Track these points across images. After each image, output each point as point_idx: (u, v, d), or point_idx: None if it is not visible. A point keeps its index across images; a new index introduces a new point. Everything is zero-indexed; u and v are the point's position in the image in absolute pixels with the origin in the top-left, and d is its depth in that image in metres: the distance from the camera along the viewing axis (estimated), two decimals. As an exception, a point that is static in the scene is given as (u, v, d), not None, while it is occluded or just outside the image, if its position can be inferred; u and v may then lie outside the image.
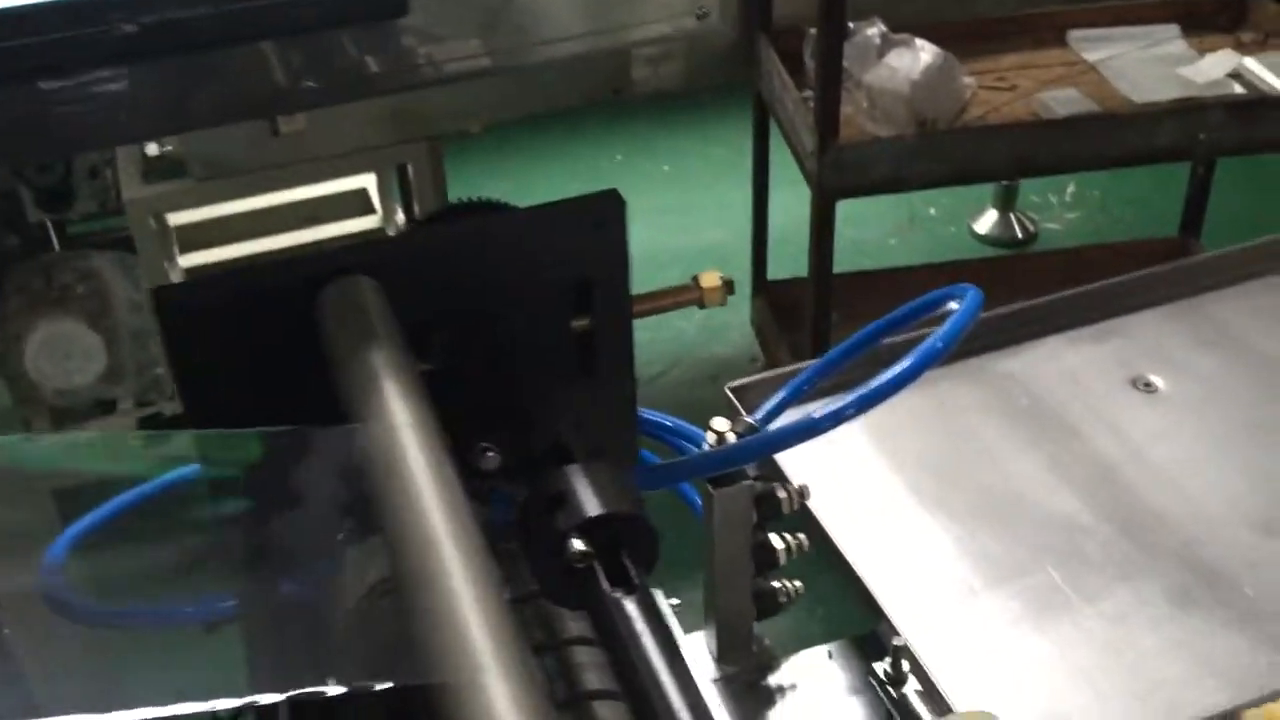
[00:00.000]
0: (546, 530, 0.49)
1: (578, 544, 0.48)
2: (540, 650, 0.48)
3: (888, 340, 0.85)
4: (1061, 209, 3.14)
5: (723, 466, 0.71)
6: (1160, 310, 1.13)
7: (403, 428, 0.46)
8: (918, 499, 0.95)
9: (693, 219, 3.14)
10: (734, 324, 2.72)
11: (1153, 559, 0.89)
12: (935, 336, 0.70)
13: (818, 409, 0.73)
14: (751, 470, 0.83)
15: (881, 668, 0.77)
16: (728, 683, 0.86)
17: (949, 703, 0.78)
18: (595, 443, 0.66)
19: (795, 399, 0.85)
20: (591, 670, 0.52)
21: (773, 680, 0.87)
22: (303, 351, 0.54)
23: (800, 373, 0.86)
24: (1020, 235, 3.00)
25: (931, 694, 0.78)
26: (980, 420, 1.02)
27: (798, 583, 0.87)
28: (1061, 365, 1.07)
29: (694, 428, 0.81)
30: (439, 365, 0.62)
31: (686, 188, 3.27)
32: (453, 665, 0.38)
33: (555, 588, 0.50)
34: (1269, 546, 0.89)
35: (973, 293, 0.72)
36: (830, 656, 0.88)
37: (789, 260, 2.43)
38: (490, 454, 0.62)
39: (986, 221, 3.04)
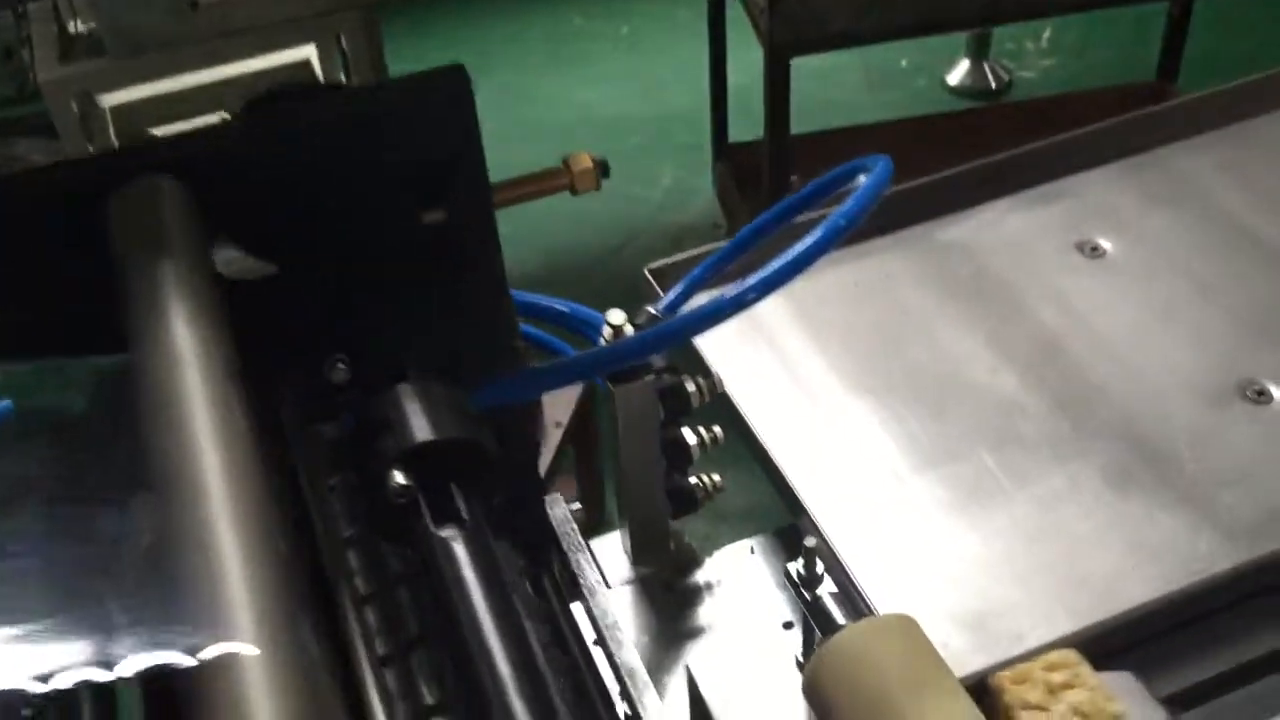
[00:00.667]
0: (369, 460, 0.44)
1: (398, 476, 0.42)
2: (369, 600, 0.43)
3: (803, 217, 0.78)
4: (1037, 55, 3.02)
5: (609, 366, 0.66)
6: (1115, 167, 1.06)
7: (178, 353, 0.40)
8: (845, 382, 0.89)
9: (655, 83, 3.03)
10: (699, 189, 2.64)
11: (1091, 438, 0.84)
12: (838, 213, 0.63)
13: (722, 294, 0.67)
14: (660, 361, 0.78)
15: (795, 568, 0.72)
16: (644, 584, 0.82)
17: (869, 603, 0.74)
18: (460, 350, 0.60)
19: (702, 284, 0.79)
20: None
21: (692, 579, 0.83)
22: (97, 266, 0.47)
23: (709, 256, 0.79)
24: (994, 85, 2.90)
25: (849, 595, 0.74)
26: (916, 294, 0.96)
27: (716, 477, 0.83)
28: (1005, 231, 1.01)
29: (599, 314, 0.75)
30: (273, 270, 0.56)
31: (647, 51, 3.14)
32: (206, 637, 0.33)
33: (382, 524, 0.45)
34: (1214, 419, 0.84)
35: (883, 164, 0.66)
36: (753, 552, 0.84)
37: (754, 123, 2.33)
38: (341, 366, 0.56)
39: (959, 73, 2.93)
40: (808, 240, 0.64)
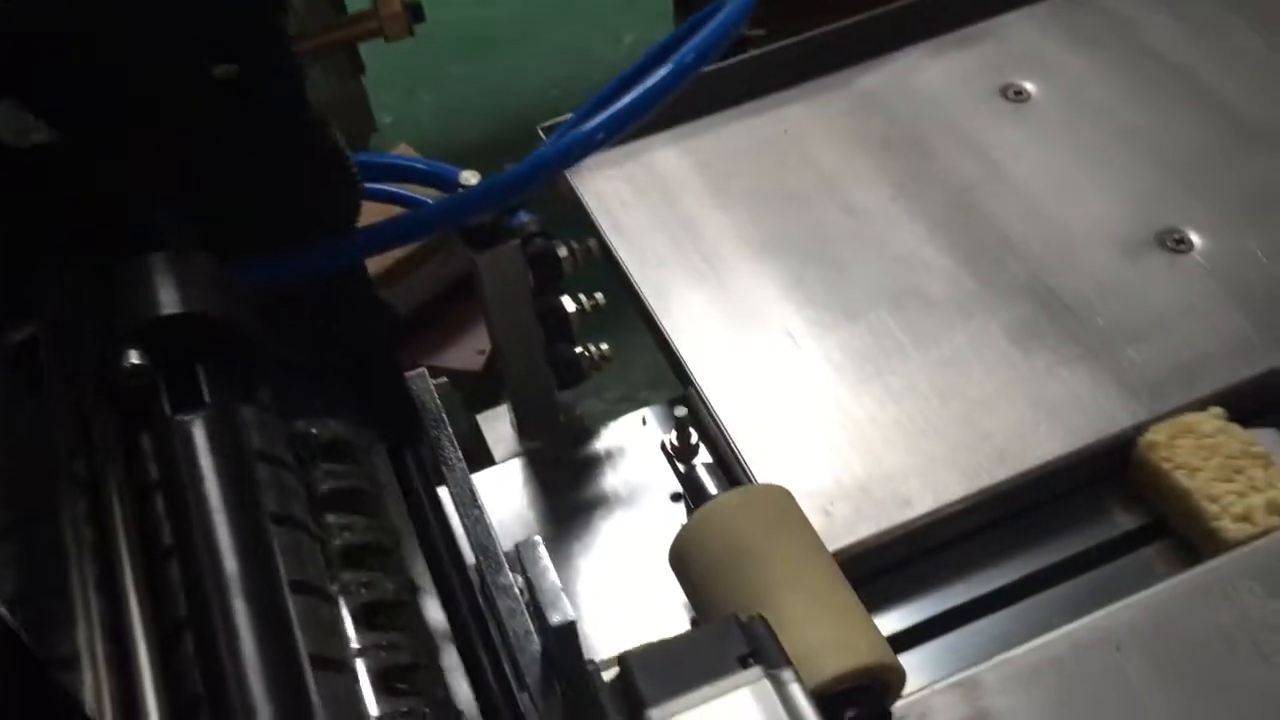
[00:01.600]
0: (104, 337, 0.40)
1: (131, 356, 0.39)
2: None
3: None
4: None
5: (445, 221, 0.60)
6: (1043, 6, 0.99)
7: None
8: (745, 241, 0.85)
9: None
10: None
11: (999, 295, 0.80)
12: (685, 49, 0.58)
13: (568, 135, 0.62)
14: (535, 226, 0.73)
15: (669, 440, 0.69)
16: (531, 458, 0.79)
17: (749, 474, 0.71)
18: (273, 216, 0.56)
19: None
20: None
21: (581, 452, 0.80)
22: None
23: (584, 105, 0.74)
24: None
25: (729, 466, 0.71)
26: (826, 147, 0.91)
27: (604, 346, 0.79)
28: (923, 78, 0.95)
29: (455, 169, 0.70)
30: (55, 134, 0.51)
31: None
32: None
33: (120, 406, 0.41)
34: (1128, 270, 0.80)
35: (736, 2, 0.60)
36: (644, 424, 0.80)
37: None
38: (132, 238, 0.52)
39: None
40: (655, 78, 0.59)
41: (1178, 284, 0.78)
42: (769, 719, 0.41)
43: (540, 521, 0.76)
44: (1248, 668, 0.59)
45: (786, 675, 0.43)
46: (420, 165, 0.70)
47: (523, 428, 0.80)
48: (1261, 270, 0.78)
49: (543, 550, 0.51)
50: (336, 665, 0.44)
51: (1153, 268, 0.80)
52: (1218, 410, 0.70)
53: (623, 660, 0.43)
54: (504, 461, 0.79)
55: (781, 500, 0.63)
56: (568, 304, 0.75)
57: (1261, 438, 0.69)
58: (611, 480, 0.78)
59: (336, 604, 0.47)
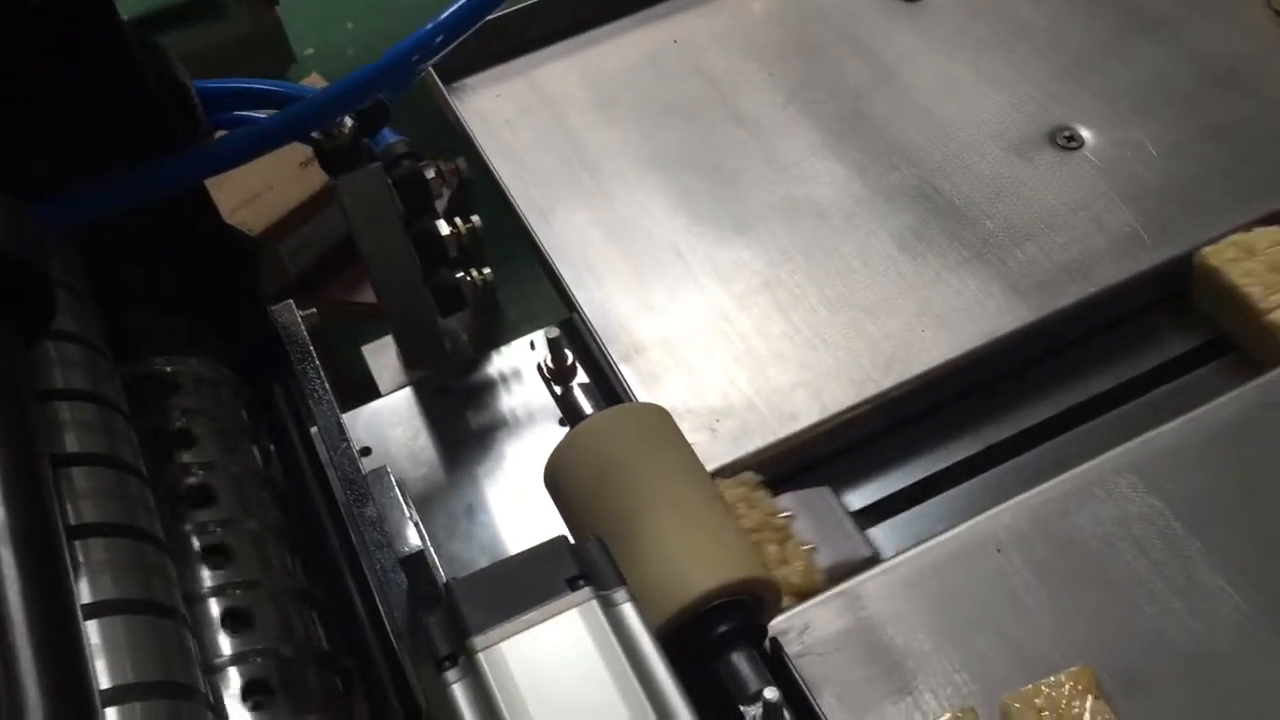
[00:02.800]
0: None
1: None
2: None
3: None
4: None
5: (286, 135, 0.57)
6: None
7: None
8: (633, 157, 0.83)
9: None
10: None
11: (889, 200, 0.78)
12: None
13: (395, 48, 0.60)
14: (404, 147, 0.71)
15: (543, 362, 0.68)
16: (418, 387, 0.78)
17: (629, 393, 0.69)
18: (104, 145, 0.53)
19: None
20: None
21: (470, 380, 0.78)
22: None
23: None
24: None
25: (610, 387, 0.70)
26: (717, 57, 0.89)
27: (487, 271, 0.77)
28: (817, -20, 0.92)
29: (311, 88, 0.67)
30: None
31: None
32: None
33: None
34: (1018, 171, 0.78)
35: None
36: (533, 348, 0.79)
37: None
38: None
39: None
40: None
41: (1067, 182, 0.77)
42: (596, 640, 0.40)
43: (433, 451, 0.75)
44: (1127, 563, 0.59)
45: (619, 595, 0.42)
46: (274, 87, 0.67)
47: (407, 358, 0.78)
48: (1150, 164, 0.77)
49: (391, 480, 0.50)
50: (160, 609, 0.43)
51: (1043, 166, 0.78)
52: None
53: (447, 587, 0.42)
54: (390, 393, 0.77)
55: (655, 419, 0.62)
56: (443, 228, 0.73)
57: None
58: (505, 405, 0.77)
59: (165, 546, 0.46)
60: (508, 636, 0.40)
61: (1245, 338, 0.70)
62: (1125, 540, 0.60)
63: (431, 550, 0.55)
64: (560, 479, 0.61)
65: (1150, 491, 0.61)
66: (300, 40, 1.80)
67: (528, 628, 0.40)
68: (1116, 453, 0.63)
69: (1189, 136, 0.78)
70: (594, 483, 0.59)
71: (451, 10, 0.57)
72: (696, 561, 0.55)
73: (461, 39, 0.57)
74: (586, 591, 0.41)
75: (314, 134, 0.65)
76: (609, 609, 0.41)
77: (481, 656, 0.40)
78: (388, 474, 0.51)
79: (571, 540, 0.47)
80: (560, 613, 0.40)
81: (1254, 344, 0.69)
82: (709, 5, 0.92)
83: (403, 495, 0.51)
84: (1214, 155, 0.76)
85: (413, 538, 0.48)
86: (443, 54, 0.57)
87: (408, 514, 0.50)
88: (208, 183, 0.58)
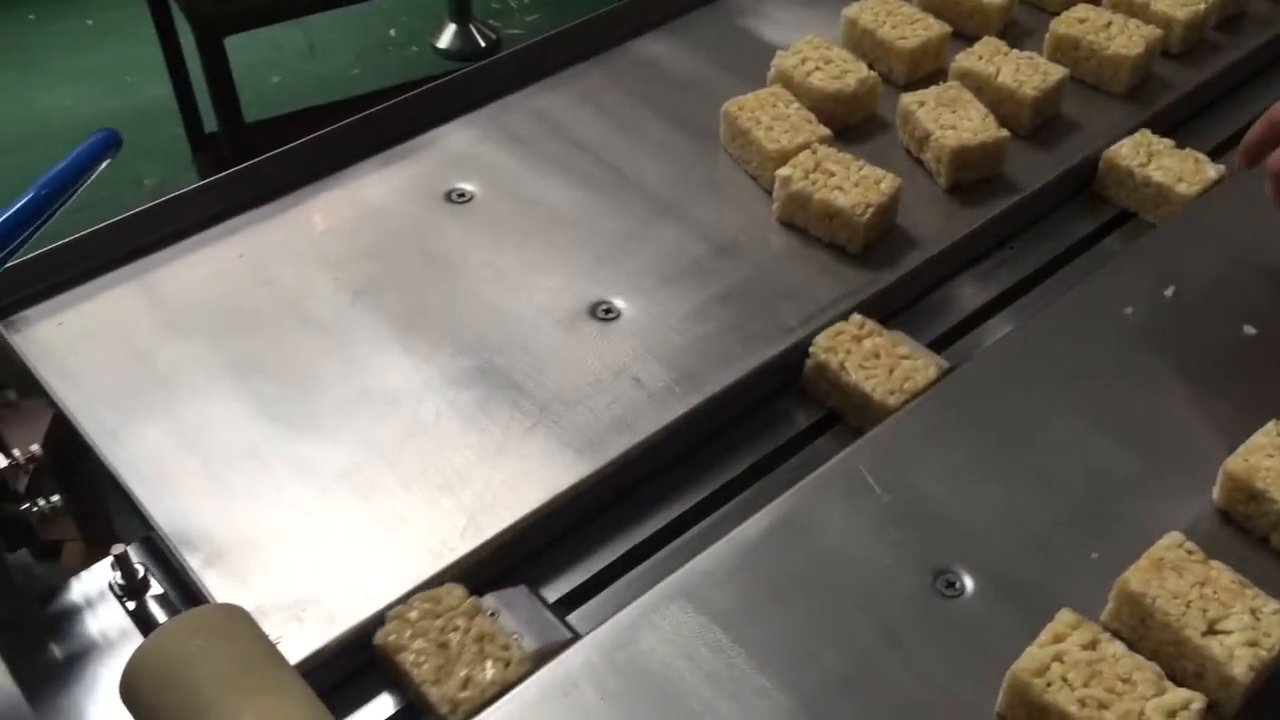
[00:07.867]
0: None
1: None
2: None
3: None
4: (520, 13, 3.09)
5: None
6: (481, 112, 1.08)
7: None
8: (204, 372, 0.85)
9: (131, 76, 2.82)
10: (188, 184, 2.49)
11: (455, 380, 0.85)
12: (42, 181, 0.59)
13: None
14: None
15: (114, 579, 0.68)
16: (-8, 631, 0.74)
17: (209, 597, 0.70)
18: None
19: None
20: None
21: (51, 608, 0.76)
22: None
23: None
24: (484, 45, 2.94)
25: (189, 594, 0.70)
26: (284, 267, 0.93)
27: (55, 498, 0.76)
28: (374, 190, 1.00)
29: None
30: None
31: (119, 41, 2.92)
32: None
33: None
34: (567, 343, 0.87)
35: (101, 136, 0.62)
36: (114, 568, 0.78)
37: (249, 106, 2.20)
38: None
39: (447, 36, 2.95)
40: (17, 204, 0.59)
41: (608, 348, 0.87)
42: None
43: (13, 690, 0.71)
44: (684, 678, 0.66)
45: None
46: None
47: (-24, 599, 0.75)
48: (676, 326, 0.88)
49: None
50: None
51: (588, 337, 0.88)
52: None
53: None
54: (-41, 638, 0.74)
55: (234, 619, 0.63)
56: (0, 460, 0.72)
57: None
58: (91, 629, 0.75)
59: None
60: None
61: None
62: (681, 658, 0.67)
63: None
64: (131, 696, 0.61)
65: (698, 610, 0.69)
66: None
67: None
68: (668, 581, 0.71)
69: (705, 300, 0.90)
70: (164, 698, 0.59)
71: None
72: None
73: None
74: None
75: None
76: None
77: None
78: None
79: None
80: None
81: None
82: (272, 220, 0.97)
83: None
84: (725, 314, 0.89)
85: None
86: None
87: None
88: None
